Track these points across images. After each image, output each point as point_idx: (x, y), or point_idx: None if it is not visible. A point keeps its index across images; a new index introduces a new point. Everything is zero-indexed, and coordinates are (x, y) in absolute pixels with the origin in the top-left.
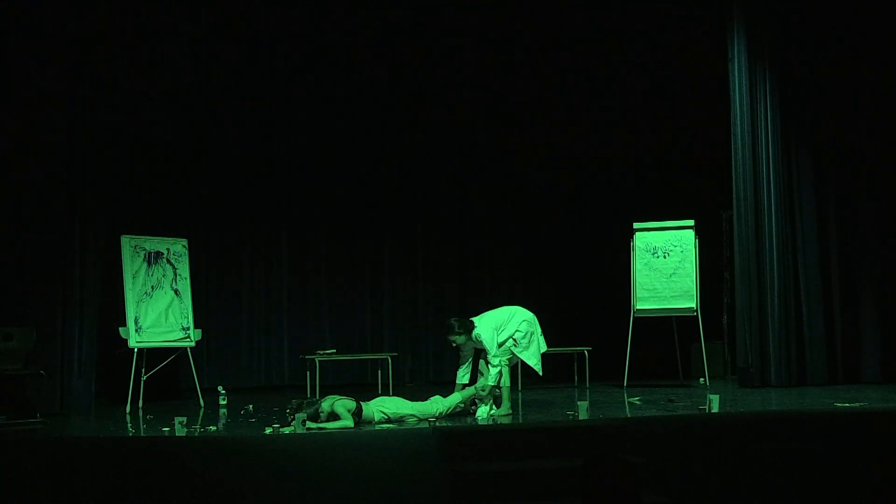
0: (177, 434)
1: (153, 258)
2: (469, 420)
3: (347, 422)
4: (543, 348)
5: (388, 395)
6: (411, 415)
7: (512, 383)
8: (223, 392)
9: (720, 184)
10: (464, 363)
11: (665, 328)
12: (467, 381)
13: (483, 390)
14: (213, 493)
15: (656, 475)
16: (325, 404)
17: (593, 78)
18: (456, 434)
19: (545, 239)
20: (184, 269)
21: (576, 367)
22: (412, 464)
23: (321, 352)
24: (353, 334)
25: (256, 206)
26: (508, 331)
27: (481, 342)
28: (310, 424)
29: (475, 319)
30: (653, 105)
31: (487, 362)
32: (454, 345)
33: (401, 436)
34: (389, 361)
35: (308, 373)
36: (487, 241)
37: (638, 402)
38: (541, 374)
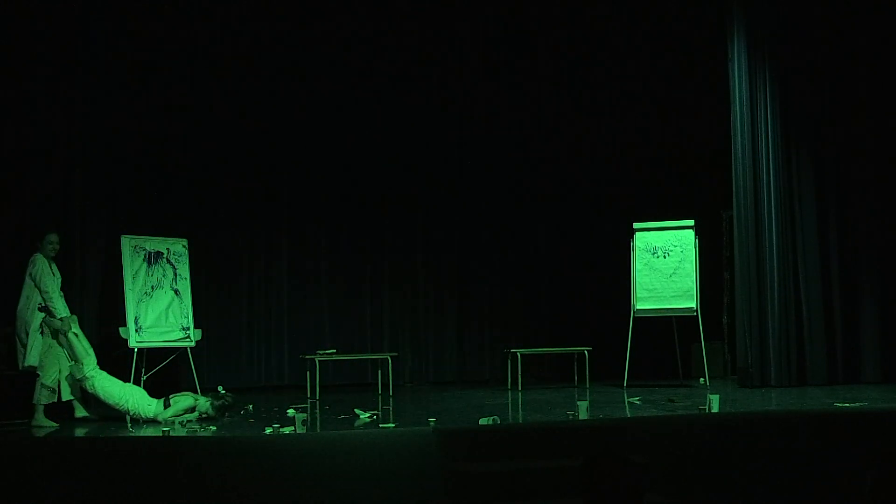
0: (177, 434)
1: (153, 258)
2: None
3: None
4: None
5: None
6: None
7: (512, 384)
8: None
9: (720, 184)
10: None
11: (665, 328)
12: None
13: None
14: (214, 493)
15: (656, 475)
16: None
17: (593, 77)
18: (456, 434)
19: (545, 238)
20: (184, 270)
21: (576, 367)
22: (412, 464)
23: (321, 352)
24: (353, 334)
25: (256, 206)
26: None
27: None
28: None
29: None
30: (653, 105)
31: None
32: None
33: (401, 436)
34: (389, 361)
35: (308, 373)
36: (487, 241)
37: (638, 402)
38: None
